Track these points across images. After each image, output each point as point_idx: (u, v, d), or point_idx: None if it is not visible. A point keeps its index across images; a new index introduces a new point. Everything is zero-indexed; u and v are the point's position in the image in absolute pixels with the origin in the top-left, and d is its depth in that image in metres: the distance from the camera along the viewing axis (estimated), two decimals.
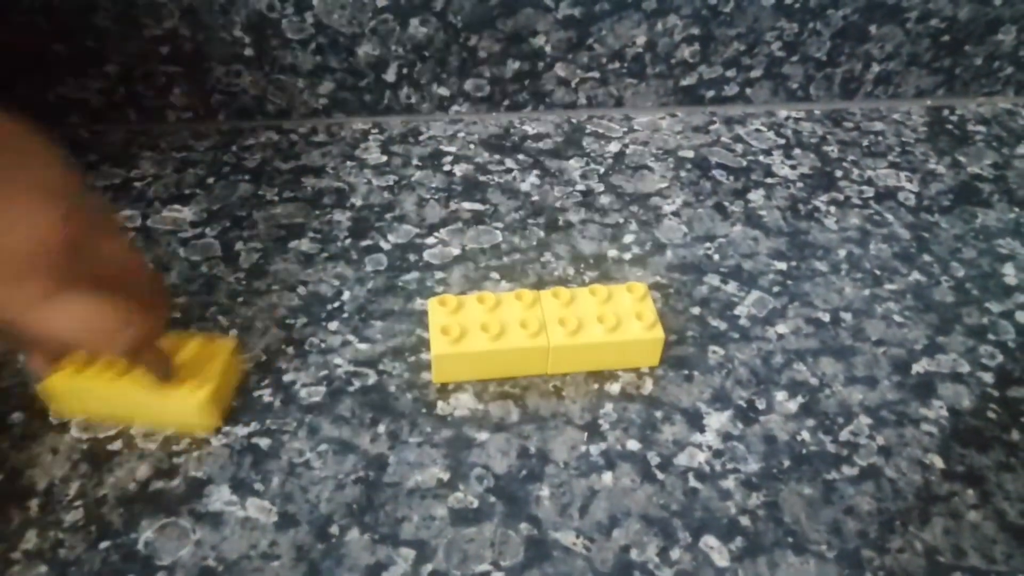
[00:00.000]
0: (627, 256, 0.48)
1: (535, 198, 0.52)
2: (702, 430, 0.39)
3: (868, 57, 0.61)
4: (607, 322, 0.40)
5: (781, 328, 0.44)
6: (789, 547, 0.34)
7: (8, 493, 0.35)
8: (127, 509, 0.34)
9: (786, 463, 0.37)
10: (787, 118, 0.61)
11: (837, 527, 0.35)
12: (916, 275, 0.48)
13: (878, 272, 0.48)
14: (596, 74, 0.59)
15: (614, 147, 0.58)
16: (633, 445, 0.38)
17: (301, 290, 0.45)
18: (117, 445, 0.37)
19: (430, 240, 0.49)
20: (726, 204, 0.53)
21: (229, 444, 0.37)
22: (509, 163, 0.55)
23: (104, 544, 0.33)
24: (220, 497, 0.35)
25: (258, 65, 0.56)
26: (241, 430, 0.38)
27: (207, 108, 0.58)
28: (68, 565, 0.33)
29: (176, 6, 0.52)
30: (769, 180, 0.55)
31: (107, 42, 0.54)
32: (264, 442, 0.37)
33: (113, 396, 0.37)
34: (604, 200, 0.52)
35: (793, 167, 0.56)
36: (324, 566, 0.33)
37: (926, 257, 0.49)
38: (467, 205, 0.52)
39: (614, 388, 0.40)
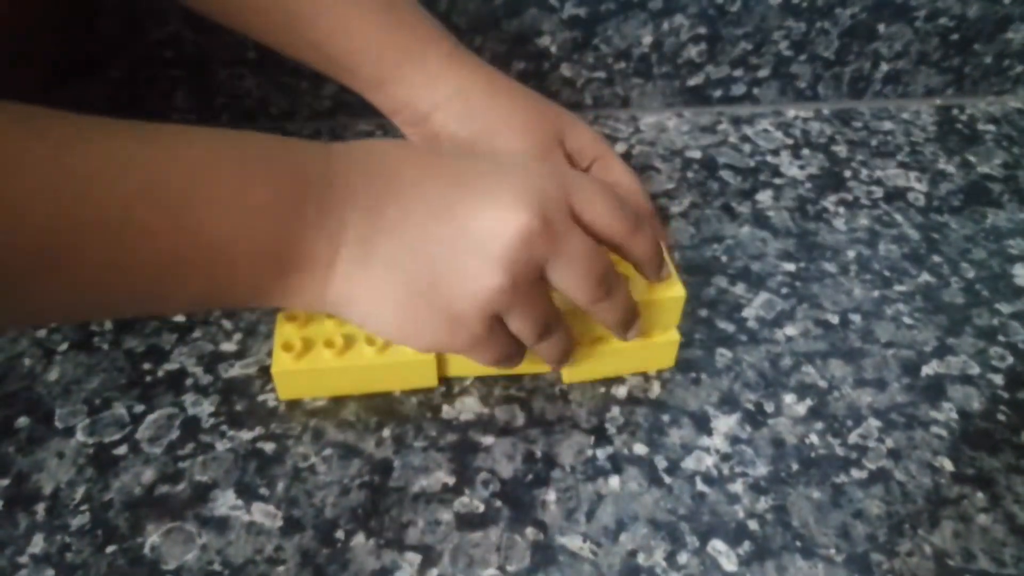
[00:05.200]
0: None
1: None
2: (710, 433, 0.38)
3: (876, 56, 0.60)
4: None
5: (789, 330, 0.44)
6: (797, 551, 0.34)
7: (15, 498, 0.35)
8: (133, 513, 0.34)
9: (794, 466, 0.37)
10: (795, 118, 0.61)
11: (846, 530, 0.35)
12: (925, 276, 0.47)
13: (887, 273, 0.47)
14: (602, 74, 0.59)
15: (621, 147, 0.57)
16: (640, 449, 0.38)
17: None
18: (123, 450, 0.37)
19: None
20: (734, 205, 0.52)
21: (234, 448, 0.37)
22: None
23: (110, 548, 0.33)
24: (226, 501, 0.35)
25: (262, 67, 0.56)
26: (246, 435, 0.38)
27: (211, 111, 0.58)
28: (75, 569, 0.33)
29: (179, 9, 0.52)
30: (777, 180, 0.55)
31: (111, 46, 0.54)
32: (269, 447, 0.37)
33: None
34: None
35: (801, 167, 0.56)
36: (330, 571, 0.33)
37: (935, 258, 0.49)
38: None
39: (621, 391, 0.40)
